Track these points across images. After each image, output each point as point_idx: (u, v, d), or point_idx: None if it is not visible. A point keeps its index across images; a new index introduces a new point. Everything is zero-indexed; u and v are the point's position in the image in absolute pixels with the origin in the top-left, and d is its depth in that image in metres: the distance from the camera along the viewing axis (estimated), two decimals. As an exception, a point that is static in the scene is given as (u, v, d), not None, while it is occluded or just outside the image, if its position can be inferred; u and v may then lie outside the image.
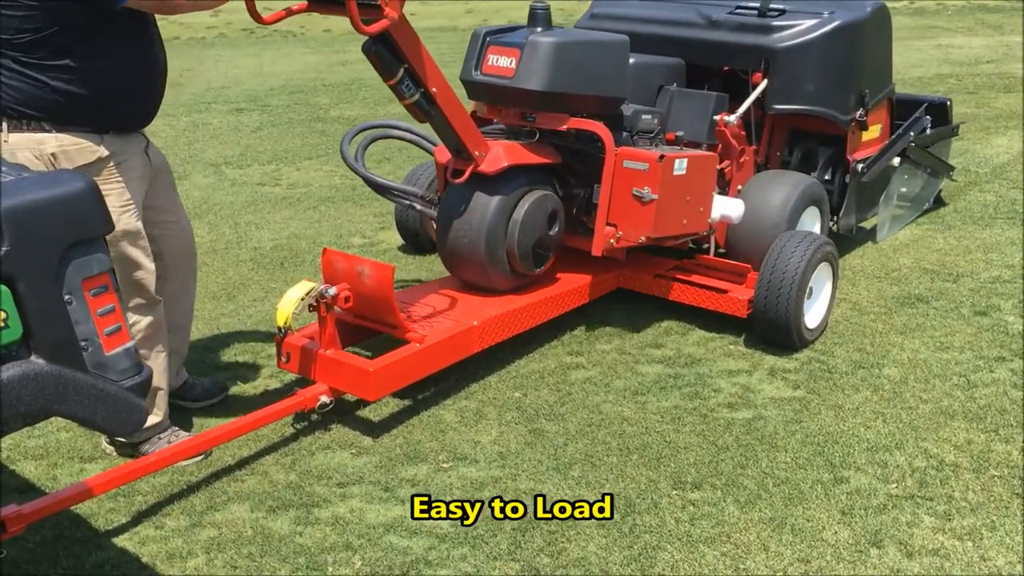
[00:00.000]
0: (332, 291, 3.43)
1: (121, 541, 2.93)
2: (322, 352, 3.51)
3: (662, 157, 3.86)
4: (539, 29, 3.92)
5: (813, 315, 4.25)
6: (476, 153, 3.81)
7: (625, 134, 4.14)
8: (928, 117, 5.53)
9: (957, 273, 5.05)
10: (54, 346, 1.77)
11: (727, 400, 3.78)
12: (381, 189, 4.40)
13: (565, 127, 3.97)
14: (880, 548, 2.90)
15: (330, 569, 2.81)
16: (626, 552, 2.88)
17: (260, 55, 13.11)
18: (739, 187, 4.66)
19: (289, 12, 3.31)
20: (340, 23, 16.05)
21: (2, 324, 1.69)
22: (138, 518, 3.03)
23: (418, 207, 4.45)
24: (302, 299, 3.43)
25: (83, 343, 1.82)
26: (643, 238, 3.94)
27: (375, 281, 3.49)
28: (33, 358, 1.75)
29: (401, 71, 3.45)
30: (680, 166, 3.96)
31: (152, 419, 3.30)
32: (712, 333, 4.35)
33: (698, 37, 4.82)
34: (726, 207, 4.27)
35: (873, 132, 5.18)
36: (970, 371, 4.00)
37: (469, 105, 4.14)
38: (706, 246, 4.59)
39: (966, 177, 6.80)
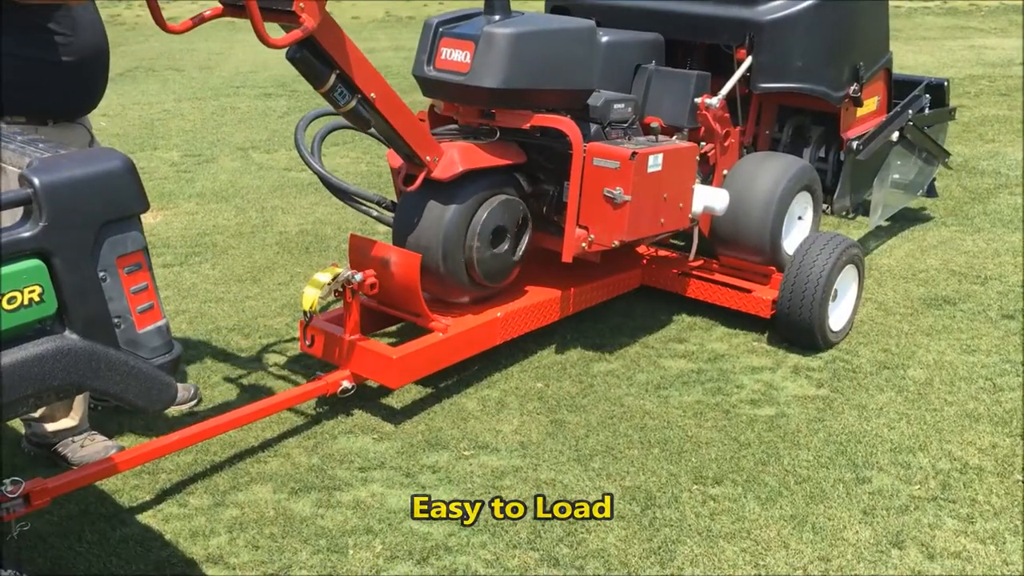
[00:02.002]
0: (358, 277, 3.44)
1: (145, 518, 2.96)
2: (346, 338, 3.52)
3: (634, 155, 3.57)
4: (496, 17, 3.58)
5: (838, 317, 4.21)
6: (427, 158, 3.50)
7: (595, 126, 3.86)
8: (927, 96, 5.21)
9: (985, 276, 5.00)
10: (87, 322, 1.79)
11: (750, 397, 3.77)
12: (337, 191, 4.00)
13: (528, 125, 3.65)
14: (901, 549, 2.89)
15: (350, 552, 2.83)
16: (645, 545, 2.88)
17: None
18: (724, 172, 4.37)
19: (200, 19, 2.92)
20: (367, 9, 16.06)
21: (37, 299, 1.71)
22: (162, 496, 3.07)
23: (374, 214, 4.08)
24: (328, 284, 3.44)
25: (116, 320, 1.83)
26: (617, 242, 3.68)
27: (401, 269, 3.50)
28: (67, 333, 1.77)
29: (332, 77, 3.12)
30: (655, 162, 3.67)
31: (68, 422, 3.20)
32: (736, 329, 4.33)
33: (677, 10, 4.46)
34: (709, 198, 3.99)
35: (869, 106, 4.88)
36: (996, 374, 3.97)
37: (418, 103, 3.90)
38: (691, 256, 4.30)
39: (996, 180, 6.74)
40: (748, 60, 4.26)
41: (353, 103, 3.20)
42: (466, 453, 3.35)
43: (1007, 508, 3.09)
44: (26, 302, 1.69)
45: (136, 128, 7.91)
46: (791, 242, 4.33)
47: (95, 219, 1.77)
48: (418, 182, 3.55)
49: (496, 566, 2.79)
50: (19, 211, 1.75)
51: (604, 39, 4.15)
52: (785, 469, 3.28)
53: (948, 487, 3.20)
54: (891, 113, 4.93)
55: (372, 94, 3.23)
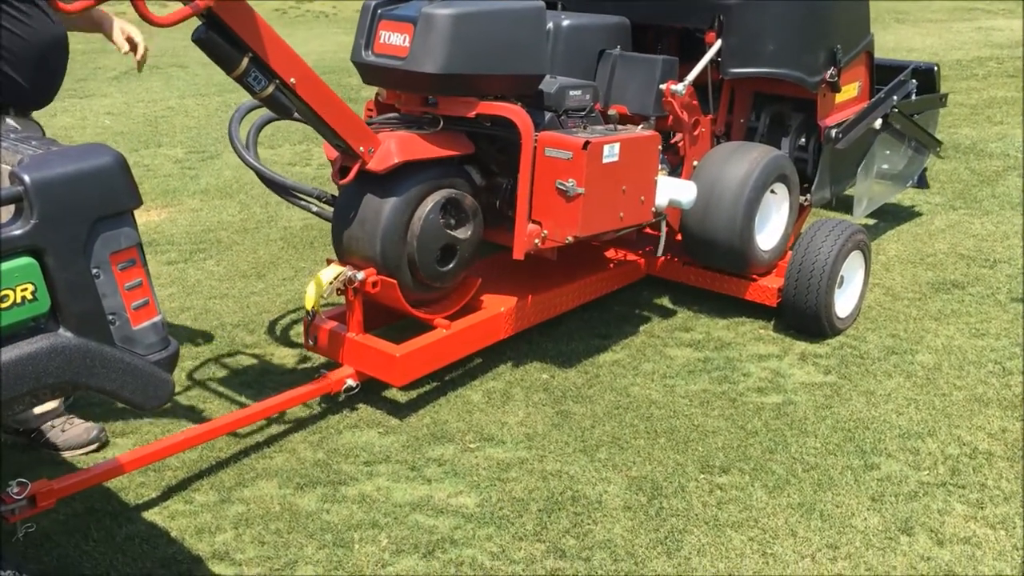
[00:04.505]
0: (360, 276, 3.41)
1: (151, 515, 2.96)
2: (349, 336, 3.50)
3: (587, 144, 3.34)
4: None
5: (844, 304, 4.17)
6: (361, 149, 3.28)
7: (550, 115, 3.61)
8: (913, 82, 4.90)
9: (994, 259, 4.96)
10: (81, 319, 1.78)
11: (757, 384, 3.75)
12: (273, 185, 3.78)
13: (473, 113, 3.43)
14: (911, 535, 2.87)
15: (356, 546, 2.82)
16: (652, 535, 2.87)
17: (291, 36, 13.11)
18: (695, 163, 4.12)
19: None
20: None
21: (30, 297, 1.70)
22: (168, 493, 3.06)
23: (313, 209, 3.85)
24: (330, 283, 3.43)
25: (110, 317, 1.82)
26: (571, 238, 3.44)
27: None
28: (61, 331, 1.77)
29: (244, 61, 2.88)
30: (611, 152, 3.44)
31: (49, 404, 3.14)
32: (742, 317, 4.31)
33: None
34: (674, 191, 3.77)
35: (849, 92, 4.58)
36: (1006, 358, 3.93)
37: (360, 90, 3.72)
38: (659, 252, 4.11)
39: (1004, 162, 6.69)
40: (717, 44, 4.03)
41: (271, 89, 2.98)
42: (472, 445, 3.34)
43: (1017, 493, 3.06)
44: (19, 300, 1.68)
45: (140, 126, 7.91)
46: (766, 237, 4.13)
47: (87, 215, 1.76)
48: (351, 174, 3.33)
49: (502, 558, 2.77)
50: (11, 208, 1.74)
51: (565, 23, 3.98)
52: (792, 457, 3.26)
53: (957, 472, 3.17)
54: (873, 99, 4.67)
55: (292, 79, 3.00)
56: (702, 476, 3.16)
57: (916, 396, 3.65)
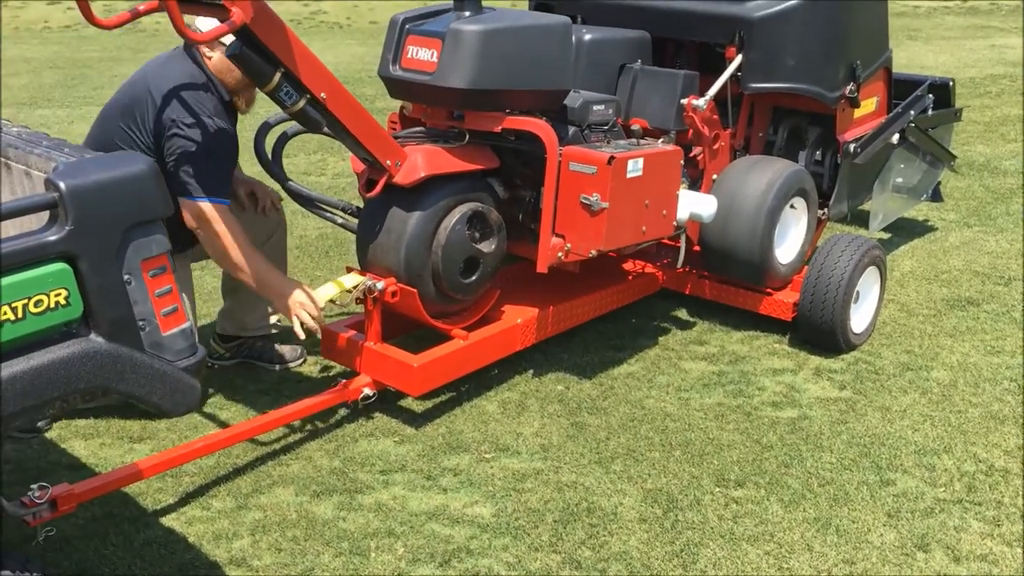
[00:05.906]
0: (380, 285, 3.42)
1: (168, 521, 2.97)
2: (367, 345, 3.52)
3: (612, 159, 3.36)
4: (466, 14, 3.38)
5: (860, 319, 4.18)
6: (388, 162, 3.31)
7: (574, 129, 3.65)
8: (930, 96, 4.95)
9: (1009, 276, 4.96)
10: (112, 325, 1.81)
11: (771, 399, 3.75)
12: (300, 198, 3.82)
13: (499, 128, 3.46)
14: (927, 552, 2.87)
15: (373, 555, 2.83)
16: (668, 548, 2.87)
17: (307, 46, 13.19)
18: (714, 177, 4.15)
19: (136, 13, 2.65)
20: (385, 13, 16.16)
21: (63, 302, 1.73)
22: (185, 499, 3.08)
23: (339, 221, 3.87)
24: (349, 291, 3.45)
25: (140, 323, 1.85)
26: (594, 252, 3.48)
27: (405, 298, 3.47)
28: (92, 336, 1.79)
29: (277, 76, 2.95)
30: (635, 167, 3.46)
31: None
32: (757, 331, 4.31)
33: (664, 7, 4.23)
34: (695, 205, 3.80)
35: (868, 107, 4.59)
36: (1021, 376, 3.93)
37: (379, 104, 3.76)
38: (678, 265, 4.15)
39: (1018, 180, 6.69)
40: (738, 59, 4.04)
41: (301, 103, 3.04)
42: (487, 456, 3.35)
43: (1034, 510, 3.06)
44: (52, 305, 1.70)
45: (157, 134, 7.95)
46: (785, 251, 4.15)
47: (120, 223, 1.79)
48: (378, 188, 3.37)
49: (518, 568, 2.78)
50: (45, 215, 1.77)
51: (587, 37, 4.01)
52: (808, 471, 3.26)
53: (974, 489, 3.17)
54: (891, 114, 4.69)
55: (322, 94, 3.06)
56: (717, 489, 3.16)
57: (932, 412, 3.65)
